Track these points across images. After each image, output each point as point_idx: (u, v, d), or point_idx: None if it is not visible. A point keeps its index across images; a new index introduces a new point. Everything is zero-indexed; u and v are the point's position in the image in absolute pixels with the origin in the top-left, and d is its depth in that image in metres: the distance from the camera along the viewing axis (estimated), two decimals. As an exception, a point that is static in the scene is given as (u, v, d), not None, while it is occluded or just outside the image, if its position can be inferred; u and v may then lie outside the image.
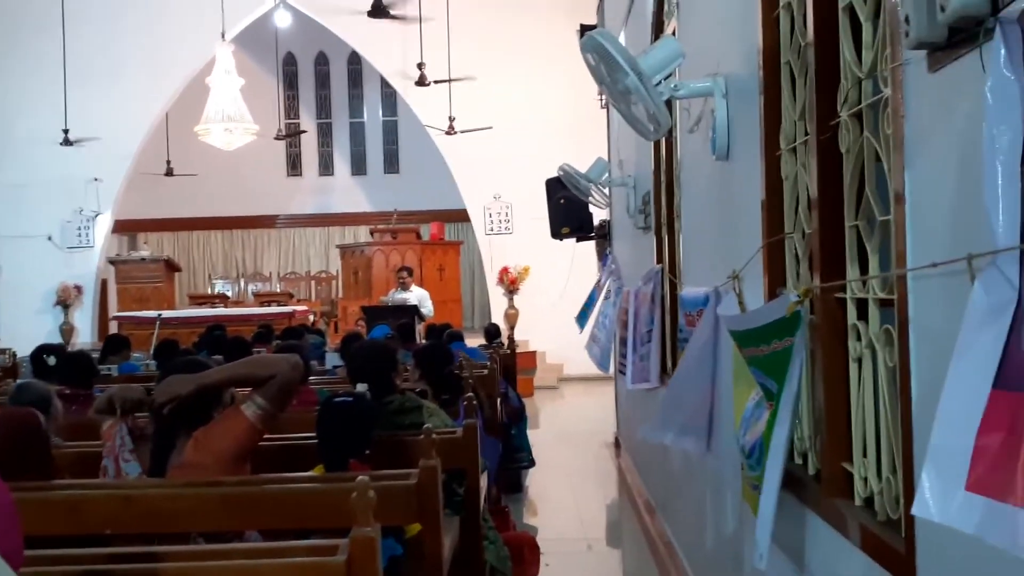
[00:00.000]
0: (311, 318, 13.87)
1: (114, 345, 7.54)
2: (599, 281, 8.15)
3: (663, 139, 5.09)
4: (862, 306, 2.21)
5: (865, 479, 2.19)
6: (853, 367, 2.28)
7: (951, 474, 1.32)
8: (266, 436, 3.36)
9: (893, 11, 1.86)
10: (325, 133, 19.71)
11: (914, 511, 1.39)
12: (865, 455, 2.19)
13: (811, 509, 2.48)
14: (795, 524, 2.62)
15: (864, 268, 2.22)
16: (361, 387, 3.67)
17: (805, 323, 2.31)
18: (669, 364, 5.22)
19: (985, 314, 1.31)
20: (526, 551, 5.18)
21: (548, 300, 13.70)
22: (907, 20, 1.59)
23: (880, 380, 2.10)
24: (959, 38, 1.52)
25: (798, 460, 2.73)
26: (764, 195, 2.88)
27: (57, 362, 5.53)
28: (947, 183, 1.66)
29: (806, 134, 2.52)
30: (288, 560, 2.04)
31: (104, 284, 15.78)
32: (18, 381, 5.18)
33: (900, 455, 1.90)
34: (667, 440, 3.83)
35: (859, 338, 2.21)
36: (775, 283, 2.85)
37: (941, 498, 1.35)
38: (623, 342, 6.18)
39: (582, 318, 8.20)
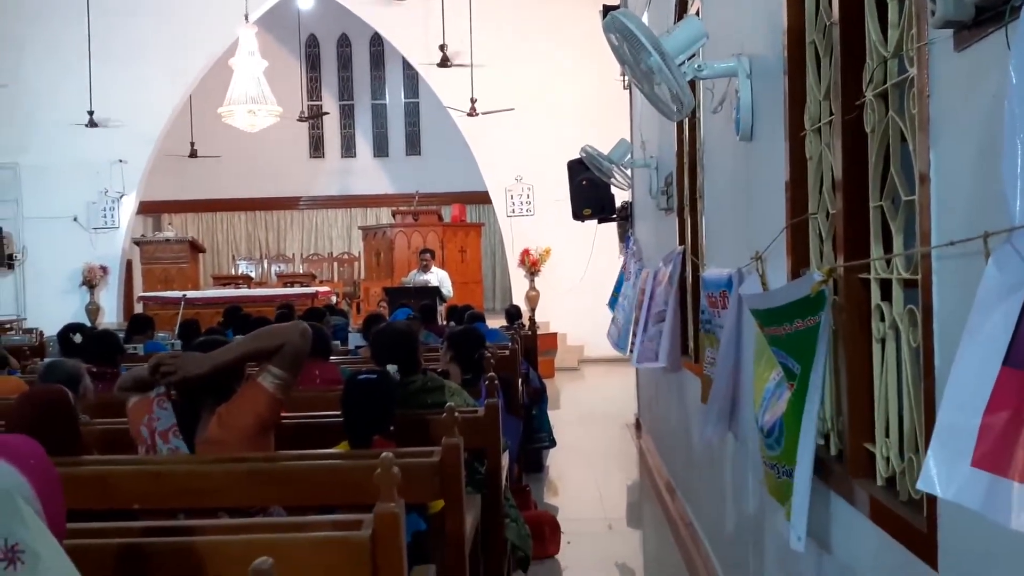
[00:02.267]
0: (333, 299, 13.93)
1: (139, 325, 7.62)
2: (625, 264, 8.14)
3: (686, 120, 5.07)
4: (886, 287, 2.21)
5: (887, 459, 2.19)
6: (876, 347, 2.28)
7: (957, 451, 1.32)
8: (291, 414, 3.40)
9: (919, -10, 1.85)
10: (347, 115, 19.73)
11: (919, 486, 1.40)
12: (888, 435, 2.19)
13: (833, 489, 2.49)
14: (817, 504, 2.62)
15: (888, 249, 2.21)
16: (391, 368, 3.71)
17: (829, 303, 2.31)
18: (691, 346, 5.22)
19: (998, 292, 1.31)
20: (547, 530, 5.23)
21: (569, 282, 13.70)
22: (933, -2, 1.59)
23: (904, 360, 2.10)
24: (985, 16, 1.51)
25: (820, 440, 2.73)
26: (788, 175, 2.88)
27: (83, 341, 5.61)
28: (972, 163, 1.66)
29: (831, 114, 2.51)
30: (314, 534, 2.07)
31: (129, 265, 15.91)
32: (47, 360, 5.26)
33: (923, 435, 1.90)
34: (707, 433, 3.80)
35: (883, 319, 2.21)
36: (799, 264, 2.85)
37: (946, 474, 1.36)
38: (637, 322, 6.19)
39: (614, 303, 8.20)
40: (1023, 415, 1.22)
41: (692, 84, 3.94)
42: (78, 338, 5.79)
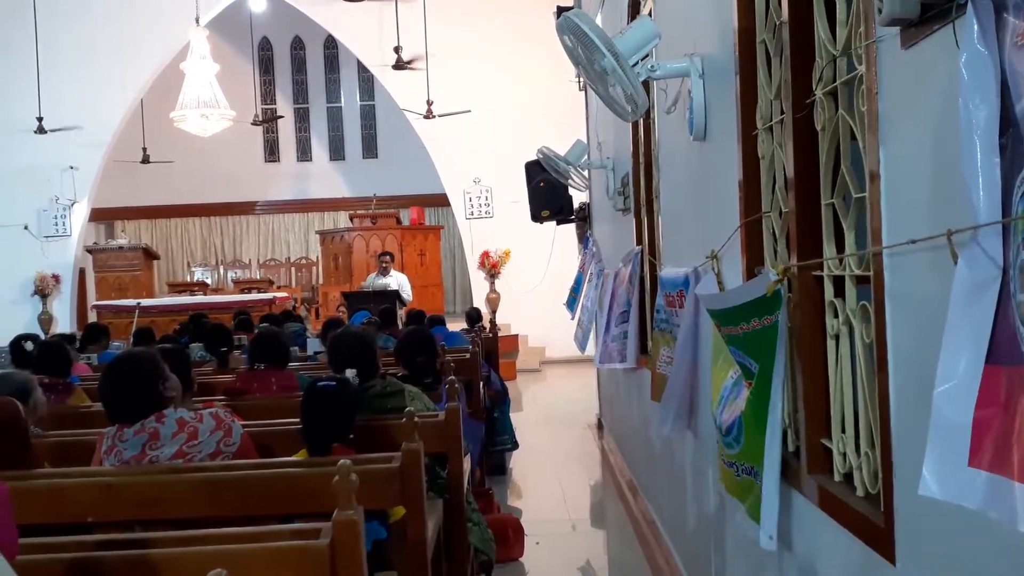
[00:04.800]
0: (291, 304, 13.82)
1: (93, 334, 7.51)
2: (582, 264, 8.16)
3: (641, 120, 5.09)
4: (839, 283, 2.23)
5: (844, 455, 2.21)
6: (831, 344, 2.29)
7: (952, 452, 1.32)
8: (248, 422, 3.37)
9: (867, -12, 1.86)
10: (302, 118, 19.60)
11: (920, 491, 1.39)
12: (844, 431, 2.21)
13: (791, 485, 2.50)
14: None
15: (841, 246, 2.23)
16: (349, 372, 3.67)
17: (785, 301, 2.33)
18: (649, 345, 5.24)
19: (971, 291, 1.32)
20: (510, 532, 5.22)
21: (529, 283, 13.73)
22: (880, -3, 1.60)
23: (857, 356, 2.11)
24: (932, 14, 1.52)
25: (778, 437, 2.75)
26: (741, 175, 2.89)
27: (34, 351, 5.49)
28: (921, 159, 1.68)
29: (782, 113, 2.53)
30: (272, 544, 2.05)
31: (82, 273, 15.65)
32: (-3, 372, 5.15)
33: (878, 430, 1.92)
34: (665, 431, 3.82)
35: (836, 315, 2.23)
36: (753, 262, 2.87)
37: (944, 476, 1.35)
38: (598, 323, 6.21)
39: (572, 304, 8.21)
40: (1012, 411, 1.22)
41: (646, 84, 3.95)
42: (30, 345, 5.67)
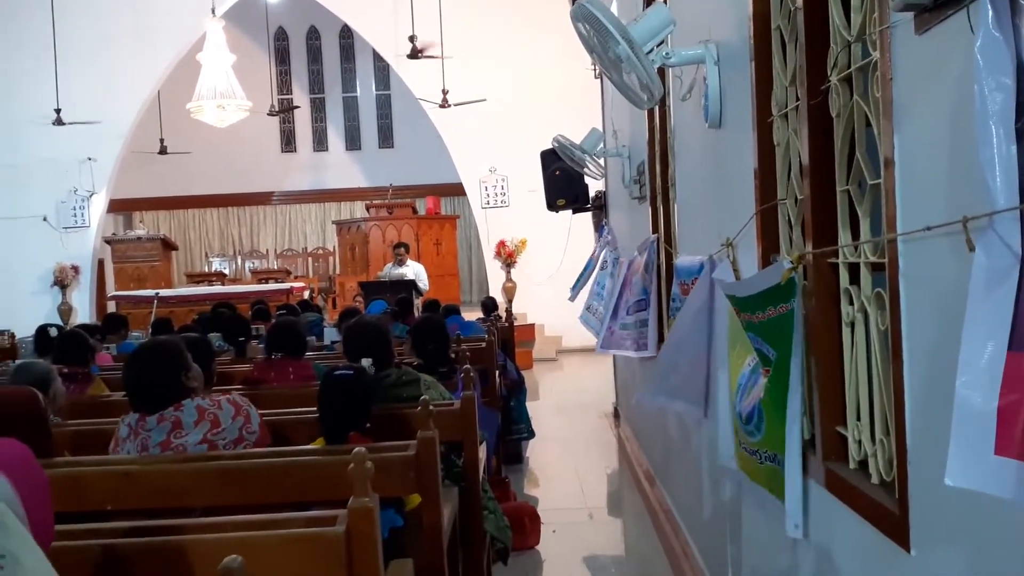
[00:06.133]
0: (308, 294, 13.87)
1: (112, 324, 7.56)
2: (594, 252, 8.14)
3: (656, 108, 5.07)
4: (854, 270, 2.22)
5: (859, 442, 2.20)
6: (846, 331, 2.29)
7: (978, 440, 1.31)
8: (265, 411, 3.39)
9: (882, -27, 1.85)
10: (318, 108, 19.63)
11: (947, 481, 1.38)
12: (859, 418, 2.20)
13: (806, 473, 2.50)
14: (791, 488, 2.64)
15: (856, 233, 2.22)
16: (365, 362, 3.68)
17: (800, 289, 2.32)
18: (666, 332, 5.24)
19: (990, 278, 1.31)
20: (526, 520, 5.23)
21: (546, 272, 13.71)
22: (894, -18, 1.59)
23: (872, 344, 2.11)
24: (945, -1, 1.51)
25: (793, 425, 2.74)
26: (756, 162, 2.88)
27: (55, 340, 5.55)
28: (936, 145, 1.66)
29: (797, 100, 2.51)
30: (288, 531, 2.06)
31: (101, 264, 15.76)
32: (17, 362, 5.20)
33: (893, 418, 1.91)
34: (660, 403, 3.85)
35: (851, 302, 2.22)
36: (769, 250, 2.86)
37: (972, 465, 1.34)
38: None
39: (575, 288, 8.19)
40: None
41: (661, 71, 3.93)
42: (54, 331, 5.74)
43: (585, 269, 8.08)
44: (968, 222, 1.37)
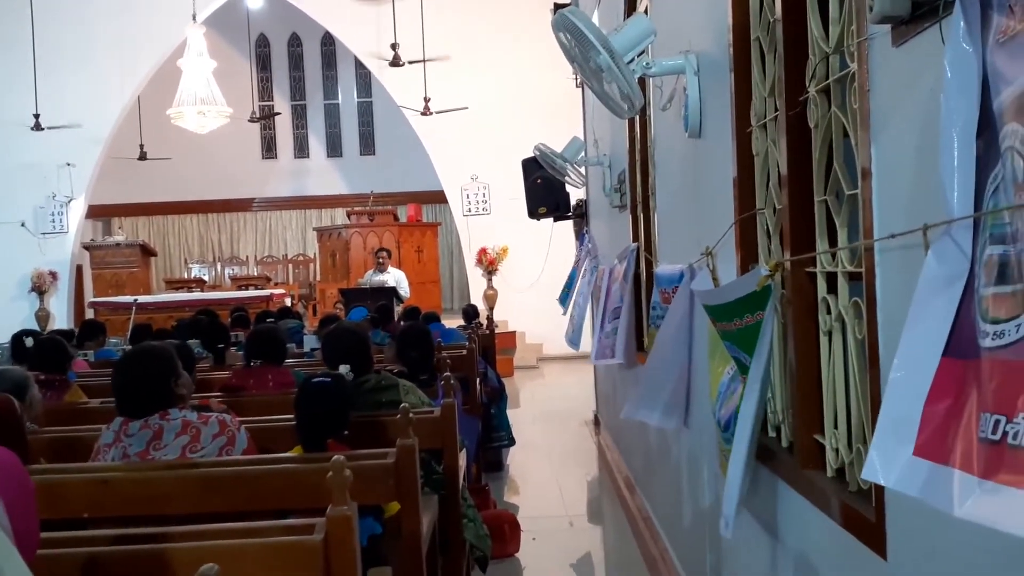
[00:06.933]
0: (289, 301, 13.82)
1: (90, 331, 7.51)
2: (577, 260, 8.17)
3: (637, 117, 5.10)
4: (832, 280, 2.24)
5: (836, 450, 2.22)
6: (823, 340, 2.30)
7: (900, 440, 1.34)
8: (244, 418, 3.37)
9: (859, -14, 1.87)
10: (299, 115, 19.59)
11: (863, 475, 1.42)
12: (836, 427, 2.22)
13: (784, 481, 2.51)
14: (769, 495, 2.65)
15: (833, 243, 2.24)
16: (343, 368, 3.68)
17: (775, 296, 2.33)
18: (646, 341, 5.25)
19: (937, 283, 1.33)
20: (506, 528, 5.23)
21: (527, 280, 13.74)
22: (871, -6, 1.61)
23: (850, 352, 2.12)
24: (922, 11, 1.53)
25: (772, 433, 2.76)
26: (736, 172, 2.90)
27: (32, 347, 5.49)
28: (911, 156, 1.68)
29: (776, 110, 2.53)
30: (266, 540, 2.05)
31: (79, 270, 15.65)
32: (-7, 368, 5.15)
33: (869, 426, 1.93)
34: (642, 417, 3.86)
35: (829, 311, 2.24)
36: (748, 259, 2.88)
37: (888, 463, 1.37)
38: (594, 319, 6.22)
39: (564, 299, 8.22)
40: (963, 404, 1.23)
41: (641, 81, 3.96)
42: (30, 341, 5.68)
43: (571, 279, 8.10)
44: (928, 230, 1.39)
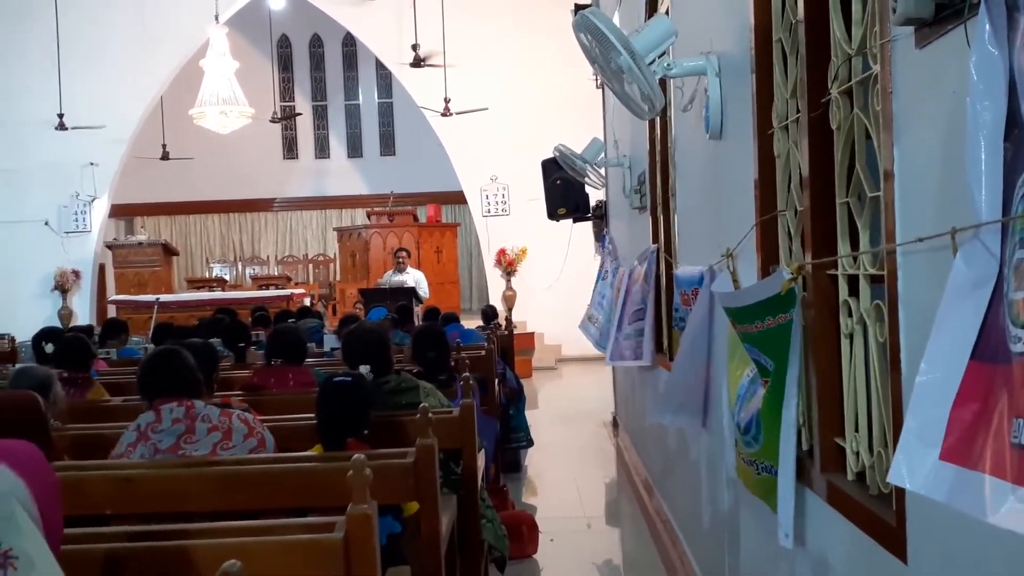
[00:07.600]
0: (309, 301, 13.88)
1: (112, 329, 7.57)
2: (602, 263, 8.15)
3: (657, 118, 5.09)
4: (853, 282, 2.23)
5: (857, 453, 2.21)
6: (844, 343, 2.29)
7: (926, 444, 1.34)
8: (265, 417, 3.39)
9: (882, -13, 1.86)
10: (320, 115, 19.67)
11: (889, 479, 1.41)
12: (857, 430, 2.21)
13: (805, 484, 2.50)
14: (789, 499, 2.64)
15: (855, 245, 2.23)
16: (363, 368, 3.69)
17: (800, 300, 2.33)
18: (665, 343, 5.24)
19: (966, 287, 1.33)
20: (524, 529, 5.23)
21: (546, 281, 13.72)
22: (894, -4, 1.60)
23: (871, 355, 2.11)
24: (946, 13, 1.52)
25: (792, 436, 2.75)
26: (757, 173, 2.89)
27: (54, 347, 5.54)
28: (934, 159, 1.67)
29: (798, 112, 2.53)
30: (286, 537, 2.06)
31: (102, 269, 15.77)
32: (17, 366, 5.20)
33: (891, 429, 1.92)
34: (667, 421, 3.86)
35: (850, 314, 2.23)
36: (768, 261, 2.87)
37: (914, 467, 1.37)
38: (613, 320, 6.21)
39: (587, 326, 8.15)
40: (991, 408, 1.22)
41: (662, 82, 3.95)
42: (50, 347, 5.73)
43: (598, 280, 8.06)
44: (956, 233, 1.39)
